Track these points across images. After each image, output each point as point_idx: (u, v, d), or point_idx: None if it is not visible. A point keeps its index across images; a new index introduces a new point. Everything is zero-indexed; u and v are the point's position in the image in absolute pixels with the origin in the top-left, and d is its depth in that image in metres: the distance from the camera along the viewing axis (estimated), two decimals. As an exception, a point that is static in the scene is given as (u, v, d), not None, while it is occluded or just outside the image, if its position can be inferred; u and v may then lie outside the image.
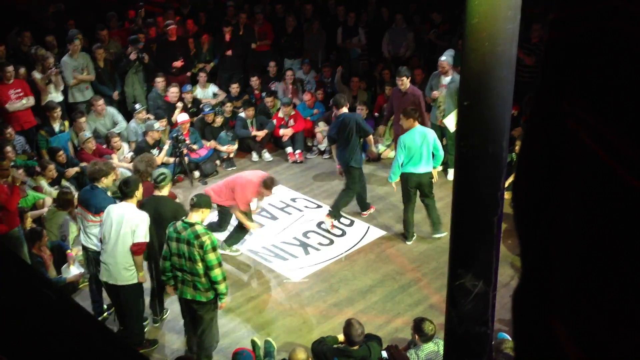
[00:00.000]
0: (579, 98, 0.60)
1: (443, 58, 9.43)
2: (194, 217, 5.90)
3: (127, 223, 6.04)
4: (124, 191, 6.19)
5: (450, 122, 9.00)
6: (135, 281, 6.22)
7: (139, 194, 6.26)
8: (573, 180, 0.61)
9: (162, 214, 6.47)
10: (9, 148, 7.94)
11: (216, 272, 5.80)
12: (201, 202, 5.95)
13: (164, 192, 6.71)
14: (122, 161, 9.51)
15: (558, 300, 0.62)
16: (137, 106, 10.28)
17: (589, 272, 0.59)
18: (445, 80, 9.38)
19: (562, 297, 0.62)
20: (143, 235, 6.08)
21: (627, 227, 0.55)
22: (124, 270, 6.13)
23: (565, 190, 0.62)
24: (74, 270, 7.46)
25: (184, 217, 6.05)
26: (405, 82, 8.88)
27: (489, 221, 2.83)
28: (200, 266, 5.78)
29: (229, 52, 11.91)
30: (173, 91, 10.59)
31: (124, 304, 6.40)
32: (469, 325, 2.94)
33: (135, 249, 6.09)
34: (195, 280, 5.87)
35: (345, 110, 8.64)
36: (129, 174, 8.98)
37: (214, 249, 5.79)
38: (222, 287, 5.89)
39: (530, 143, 0.69)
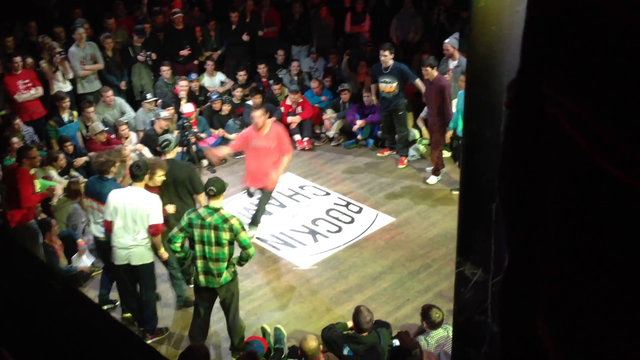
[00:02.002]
0: (557, 81, 0.57)
1: (447, 40, 9.38)
2: (216, 203, 5.98)
3: (141, 207, 6.16)
4: (134, 174, 6.27)
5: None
6: (151, 260, 6.37)
7: (147, 178, 6.36)
8: (552, 168, 0.58)
9: (176, 177, 6.85)
10: (15, 139, 7.98)
11: (252, 250, 6.00)
12: (220, 189, 6.02)
13: (170, 156, 7.07)
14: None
15: (539, 296, 0.60)
16: (149, 96, 10.28)
17: (567, 264, 0.56)
18: (452, 64, 9.35)
19: (542, 293, 0.60)
20: (157, 217, 6.23)
21: (606, 218, 0.53)
22: (145, 250, 6.29)
23: (546, 177, 0.59)
24: (84, 260, 7.51)
25: (207, 204, 6.07)
26: (429, 72, 8.77)
27: (488, 208, 2.81)
28: (226, 251, 5.89)
29: (246, 37, 11.83)
30: (182, 85, 10.58)
31: (142, 284, 6.52)
32: (469, 314, 2.93)
33: (153, 231, 6.23)
34: (220, 266, 5.93)
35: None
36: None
37: (243, 228, 5.95)
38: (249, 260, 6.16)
39: (513, 128, 0.66)
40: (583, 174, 0.54)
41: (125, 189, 6.37)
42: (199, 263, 5.98)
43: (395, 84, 9.45)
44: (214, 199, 5.97)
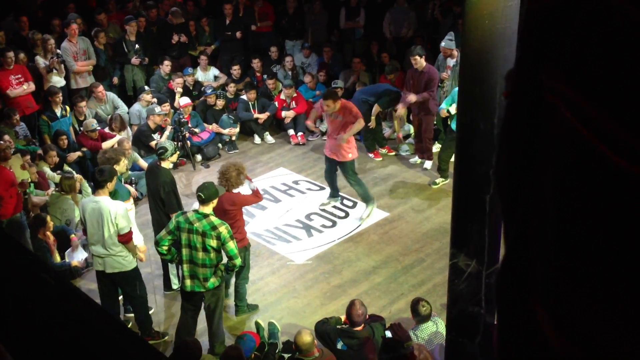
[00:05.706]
0: (557, 69, 0.57)
1: (443, 44, 9.41)
2: (206, 209, 5.84)
3: (105, 215, 5.96)
4: (97, 180, 6.07)
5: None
6: (130, 267, 6.21)
7: (111, 185, 6.11)
8: (552, 157, 0.58)
9: (150, 186, 6.91)
10: (7, 137, 7.95)
11: (238, 261, 5.86)
12: (210, 195, 5.85)
13: (164, 164, 6.86)
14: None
15: (539, 284, 0.60)
16: (147, 87, 10.24)
17: (566, 253, 0.56)
18: (451, 62, 9.38)
19: (542, 280, 0.59)
20: (125, 225, 6.04)
21: (607, 206, 0.52)
22: (119, 258, 6.12)
23: (545, 168, 0.59)
24: (78, 255, 7.48)
25: (196, 208, 5.92)
26: (419, 61, 8.81)
27: (482, 200, 2.81)
28: (213, 257, 5.80)
29: (239, 34, 11.81)
30: (178, 82, 10.54)
31: (124, 292, 6.46)
32: (463, 305, 2.94)
33: (123, 240, 6.08)
34: (206, 272, 5.85)
35: None
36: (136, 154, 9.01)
37: (232, 237, 5.79)
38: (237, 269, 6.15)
39: (511, 119, 0.66)
40: (584, 162, 0.54)
41: (90, 197, 6.21)
42: (185, 267, 5.88)
43: None
44: (204, 205, 5.84)
